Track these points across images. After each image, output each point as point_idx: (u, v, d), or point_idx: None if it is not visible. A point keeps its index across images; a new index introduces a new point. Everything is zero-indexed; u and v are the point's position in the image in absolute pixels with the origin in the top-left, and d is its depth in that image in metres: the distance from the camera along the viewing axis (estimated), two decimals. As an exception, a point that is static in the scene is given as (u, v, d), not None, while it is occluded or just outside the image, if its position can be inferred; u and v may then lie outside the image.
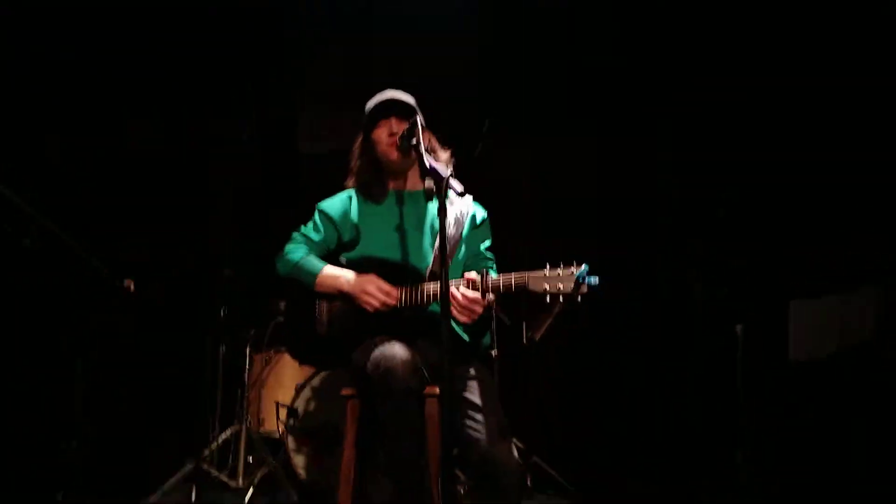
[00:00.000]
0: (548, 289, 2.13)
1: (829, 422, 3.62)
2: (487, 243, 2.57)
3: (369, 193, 2.54)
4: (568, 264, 2.12)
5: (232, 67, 4.15)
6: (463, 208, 2.54)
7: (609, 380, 4.36)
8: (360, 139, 2.56)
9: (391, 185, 2.55)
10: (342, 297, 2.41)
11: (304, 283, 2.45)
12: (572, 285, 2.09)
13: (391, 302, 2.33)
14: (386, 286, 2.34)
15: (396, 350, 2.17)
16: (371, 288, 2.33)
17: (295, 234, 2.57)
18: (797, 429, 3.83)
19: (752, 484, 3.50)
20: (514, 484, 2.19)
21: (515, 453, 2.26)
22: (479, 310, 2.23)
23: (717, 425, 3.89)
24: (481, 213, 2.59)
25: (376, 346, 2.23)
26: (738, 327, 3.58)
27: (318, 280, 2.42)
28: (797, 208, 4.20)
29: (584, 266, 2.10)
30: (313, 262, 2.47)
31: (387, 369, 2.12)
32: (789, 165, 4.25)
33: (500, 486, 2.17)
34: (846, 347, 3.49)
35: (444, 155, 2.54)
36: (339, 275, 2.41)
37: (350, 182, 2.60)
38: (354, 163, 2.58)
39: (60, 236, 1.92)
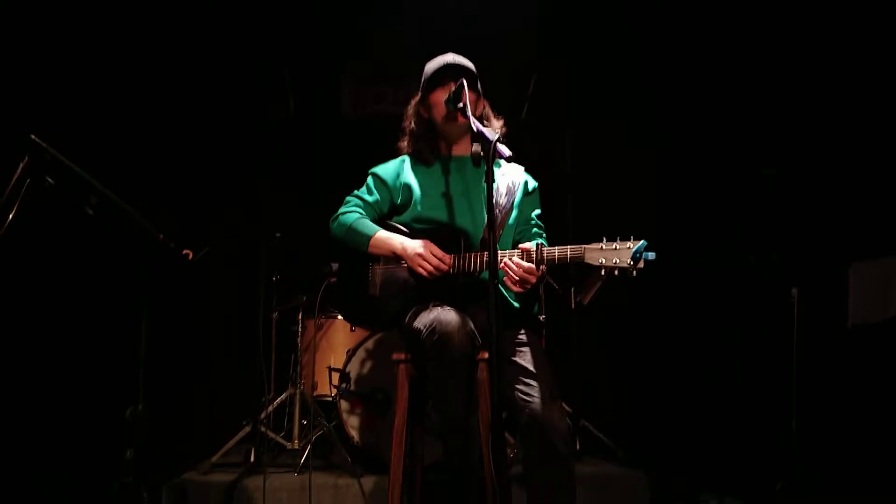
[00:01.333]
0: (604, 262, 2.12)
1: (889, 389, 3.53)
2: (538, 212, 2.58)
3: (421, 157, 2.55)
4: (625, 239, 2.10)
5: (275, 35, 4.17)
6: (515, 177, 2.55)
7: (659, 345, 4.32)
8: (415, 101, 2.56)
9: (444, 151, 2.56)
10: (395, 260, 2.43)
11: (357, 244, 2.48)
12: (629, 259, 2.08)
13: (444, 268, 2.35)
14: (439, 252, 2.36)
15: (452, 316, 2.19)
16: (425, 252, 2.35)
17: (348, 198, 2.61)
18: (855, 397, 3.75)
19: (807, 453, 3.45)
20: (564, 446, 2.21)
21: (565, 416, 2.26)
22: (533, 279, 2.24)
23: (771, 392, 3.82)
24: (532, 183, 2.60)
25: (431, 311, 2.25)
26: (794, 291, 3.50)
27: (371, 242, 2.45)
28: (852, 167, 4.06)
29: (641, 242, 2.09)
30: (367, 223, 2.50)
31: (442, 335, 2.15)
32: (844, 124, 4.11)
33: (551, 449, 2.19)
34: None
35: (497, 123, 2.54)
36: (392, 237, 2.44)
37: (403, 143, 2.61)
38: (408, 125, 2.59)
39: (121, 205, 1.99)
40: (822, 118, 4.17)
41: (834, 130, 4.12)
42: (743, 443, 3.86)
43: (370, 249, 2.47)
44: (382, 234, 2.46)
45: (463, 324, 2.18)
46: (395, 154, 2.64)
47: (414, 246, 2.38)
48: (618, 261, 2.10)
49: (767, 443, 3.72)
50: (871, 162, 4.02)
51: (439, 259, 2.35)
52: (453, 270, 2.36)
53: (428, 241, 2.39)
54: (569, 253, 2.18)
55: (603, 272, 2.12)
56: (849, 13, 4.00)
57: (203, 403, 4.05)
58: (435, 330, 2.16)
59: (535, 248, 2.22)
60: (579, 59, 4.30)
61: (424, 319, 2.24)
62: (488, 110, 2.55)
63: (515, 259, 2.25)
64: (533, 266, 2.22)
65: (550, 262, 2.21)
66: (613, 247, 2.11)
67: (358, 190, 2.61)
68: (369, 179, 2.61)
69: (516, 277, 2.24)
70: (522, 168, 2.60)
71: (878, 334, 3.56)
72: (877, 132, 3.99)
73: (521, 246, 2.27)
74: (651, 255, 2.08)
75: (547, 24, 4.31)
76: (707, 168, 4.33)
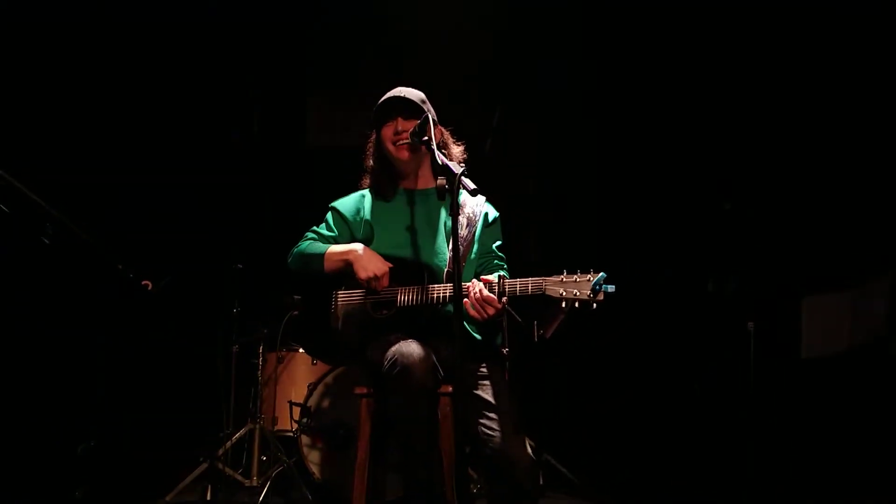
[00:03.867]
0: (564, 294, 2.12)
1: (839, 418, 3.61)
2: (499, 243, 2.58)
3: (381, 192, 2.55)
4: (585, 271, 2.12)
5: (239, 62, 4.18)
6: (476, 208, 2.55)
7: (620, 377, 4.36)
8: (372, 138, 2.57)
9: (402, 184, 2.56)
10: (347, 269, 2.42)
11: (313, 267, 2.48)
12: (589, 292, 2.10)
13: (380, 272, 2.36)
14: (379, 258, 2.38)
15: (413, 349, 2.18)
16: (372, 259, 2.37)
17: (307, 233, 2.60)
18: (808, 425, 3.83)
19: (762, 479, 3.50)
20: (529, 481, 2.19)
21: (529, 450, 2.25)
22: (492, 311, 2.23)
23: (728, 422, 3.88)
24: (493, 213, 2.60)
25: (392, 343, 2.24)
26: (750, 324, 3.58)
27: (325, 257, 2.46)
28: (806, 202, 4.20)
29: (601, 274, 2.10)
30: (318, 245, 2.52)
31: (403, 367, 2.13)
32: (797, 159, 4.26)
33: (514, 484, 2.18)
34: (858, 343, 3.48)
35: (458, 150, 2.55)
36: (338, 247, 2.45)
37: (365, 182, 2.61)
38: (367, 162, 2.59)
39: (79, 234, 1.94)
40: (779, 154, 4.32)
41: (790, 166, 4.26)
42: (703, 471, 3.89)
43: (326, 266, 2.46)
44: (331, 248, 2.47)
45: (425, 356, 2.17)
46: (360, 184, 2.64)
47: (358, 248, 2.40)
48: (577, 293, 2.11)
49: (727, 471, 3.76)
50: (826, 197, 4.16)
51: (381, 261, 2.37)
52: (408, 301, 2.35)
53: (368, 249, 2.40)
54: (530, 286, 2.19)
55: (564, 304, 2.13)
56: (804, 47, 4.16)
57: (158, 439, 3.93)
58: (396, 362, 2.15)
59: (496, 280, 2.23)
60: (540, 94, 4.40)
61: (386, 352, 2.22)
62: (447, 138, 2.55)
63: (479, 285, 2.25)
64: (494, 297, 2.22)
65: (511, 294, 2.22)
66: (574, 279, 2.12)
67: (317, 226, 2.61)
68: (328, 215, 2.61)
69: (476, 301, 2.22)
70: (483, 198, 2.59)
71: (830, 367, 3.65)
72: (832, 167, 4.14)
73: (482, 278, 2.27)
74: (611, 288, 2.10)
75: (508, 55, 4.41)
76: (668, 201, 4.44)
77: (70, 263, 2.06)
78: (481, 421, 2.25)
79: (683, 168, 4.44)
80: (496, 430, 2.23)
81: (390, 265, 2.39)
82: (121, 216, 3.92)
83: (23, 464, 3.55)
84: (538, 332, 3.75)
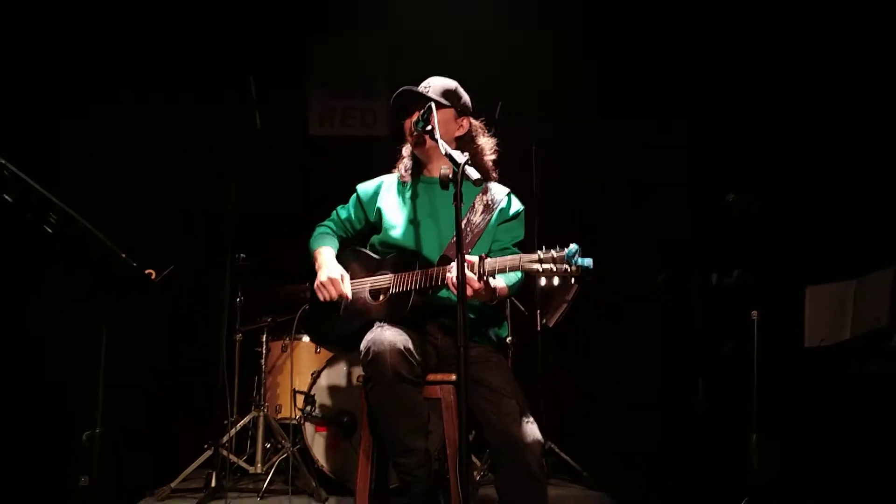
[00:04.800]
0: (541, 270, 2.11)
1: (841, 408, 3.62)
2: (519, 239, 2.56)
3: (401, 179, 2.59)
4: (562, 245, 2.11)
5: (241, 50, 4.17)
6: (497, 196, 2.53)
7: (623, 366, 4.37)
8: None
9: (423, 173, 2.58)
10: (365, 271, 2.53)
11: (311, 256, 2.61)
12: (565, 266, 2.09)
13: (330, 294, 2.43)
14: (338, 284, 2.44)
15: (386, 335, 2.20)
16: (325, 281, 2.44)
17: (333, 211, 2.71)
18: (811, 414, 3.83)
19: (766, 469, 3.50)
20: (537, 464, 2.20)
21: (537, 431, 2.25)
22: (471, 291, 2.19)
23: (731, 411, 3.88)
24: (515, 207, 2.57)
25: (373, 331, 2.27)
26: (754, 314, 3.57)
27: (314, 255, 2.58)
28: (811, 193, 4.20)
29: (572, 246, 2.09)
30: (322, 238, 2.61)
31: (375, 354, 2.16)
32: (802, 149, 4.25)
33: (523, 467, 2.18)
34: (860, 333, 3.48)
35: (489, 142, 2.54)
36: (320, 257, 2.54)
37: (395, 169, 2.65)
38: (402, 149, 2.63)
39: (82, 223, 1.94)
40: (784, 145, 4.31)
41: (795, 157, 4.26)
42: (707, 461, 3.90)
43: (314, 262, 2.57)
44: (321, 251, 2.56)
45: (397, 343, 2.18)
46: (368, 174, 2.66)
47: (322, 272, 2.47)
48: (555, 268, 2.11)
49: (730, 460, 3.77)
50: (830, 188, 4.15)
51: (333, 286, 2.43)
52: (401, 288, 2.36)
53: (338, 274, 2.46)
54: (508, 263, 2.19)
55: (543, 281, 2.13)
56: (818, 42, 4.15)
57: (163, 426, 3.95)
58: (369, 350, 2.18)
59: (476, 261, 2.23)
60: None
61: (365, 340, 2.24)
62: (476, 129, 2.54)
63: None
64: (473, 276, 2.20)
65: (491, 272, 2.20)
66: (550, 255, 2.12)
67: (343, 205, 2.70)
68: (352, 196, 2.69)
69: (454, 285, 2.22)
70: (507, 190, 2.58)
71: (832, 356, 3.65)
72: (837, 159, 4.13)
73: (466, 258, 2.27)
74: (587, 262, 2.09)
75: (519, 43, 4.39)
76: (672, 190, 4.43)
77: (73, 252, 2.06)
78: (485, 406, 2.26)
79: (686, 160, 4.44)
80: (502, 413, 2.24)
81: (338, 275, 2.45)
82: (124, 206, 3.93)
83: (28, 452, 3.58)
84: (541, 321, 3.76)
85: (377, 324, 2.32)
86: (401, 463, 2.19)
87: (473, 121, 2.54)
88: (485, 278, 2.21)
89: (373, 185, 2.64)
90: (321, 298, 2.45)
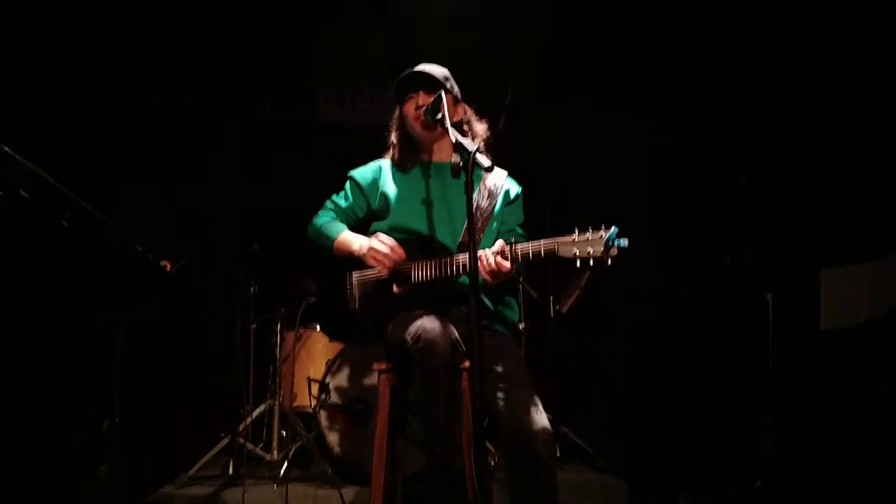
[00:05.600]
0: (577, 253, 2.10)
1: (857, 391, 3.60)
2: (521, 220, 2.56)
3: (399, 164, 2.56)
4: (597, 228, 2.10)
5: (252, 41, 4.16)
6: (498, 181, 2.53)
7: (637, 350, 4.37)
8: (396, 113, 2.57)
9: (421, 157, 2.56)
10: (355, 261, 2.45)
11: (325, 247, 2.51)
12: (602, 248, 2.07)
13: (394, 256, 2.36)
14: (390, 241, 2.37)
15: (435, 324, 2.19)
16: (375, 243, 2.37)
17: (326, 202, 2.62)
18: (826, 397, 3.82)
19: (779, 452, 3.50)
20: (546, 453, 2.20)
21: (546, 421, 2.26)
22: (504, 268, 2.21)
23: (746, 394, 3.88)
24: (515, 189, 2.58)
25: (414, 319, 2.25)
26: (769, 296, 3.56)
27: (335, 244, 2.48)
28: (826, 174, 4.15)
29: (613, 228, 2.07)
30: (334, 226, 2.52)
31: (427, 342, 2.14)
32: (817, 132, 4.21)
33: (532, 456, 2.19)
34: (877, 316, 3.45)
35: (481, 127, 2.54)
36: (351, 238, 2.46)
37: (386, 155, 2.61)
38: (390, 137, 2.60)
39: (97, 217, 1.96)
40: (796, 128, 4.27)
41: (808, 139, 4.21)
42: (720, 444, 3.90)
43: (335, 251, 2.49)
44: (344, 235, 2.48)
45: (447, 331, 2.19)
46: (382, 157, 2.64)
47: (366, 242, 2.40)
48: (591, 251, 2.08)
49: (745, 443, 3.77)
50: (845, 170, 4.11)
51: (390, 247, 2.36)
52: (423, 276, 2.35)
53: (378, 234, 2.40)
54: (542, 247, 2.17)
55: (578, 264, 2.11)
56: (827, 23, 4.09)
57: (180, 416, 4.00)
58: (420, 338, 2.16)
59: (507, 247, 2.23)
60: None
61: (408, 328, 2.23)
62: (470, 115, 2.54)
63: (489, 253, 2.25)
64: (506, 263, 2.20)
65: (525, 257, 2.21)
66: (586, 237, 2.09)
67: (336, 194, 2.62)
68: (347, 184, 2.62)
69: (488, 266, 2.22)
70: (506, 173, 2.58)
71: (848, 338, 3.63)
72: (851, 141, 4.08)
73: (494, 247, 2.27)
74: (623, 242, 2.06)
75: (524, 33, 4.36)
76: (684, 174, 4.40)
77: (89, 246, 2.08)
78: (498, 394, 2.27)
79: (699, 142, 4.40)
80: (513, 402, 2.24)
81: (396, 245, 2.38)
82: (138, 199, 3.95)
83: (48, 442, 3.63)
84: (555, 307, 3.76)
85: (416, 311, 2.29)
86: (435, 449, 2.19)
87: (468, 107, 2.54)
88: (518, 262, 2.21)
89: (370, 170, 2.59)
90: (378, 264, 2.37)
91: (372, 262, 2.39)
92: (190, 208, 4.11)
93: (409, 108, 2.47)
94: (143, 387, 3.63)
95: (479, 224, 2.44)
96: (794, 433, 3.72)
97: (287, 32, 4.36)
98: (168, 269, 2.27)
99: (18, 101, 3.84)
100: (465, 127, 2.50)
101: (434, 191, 2.49)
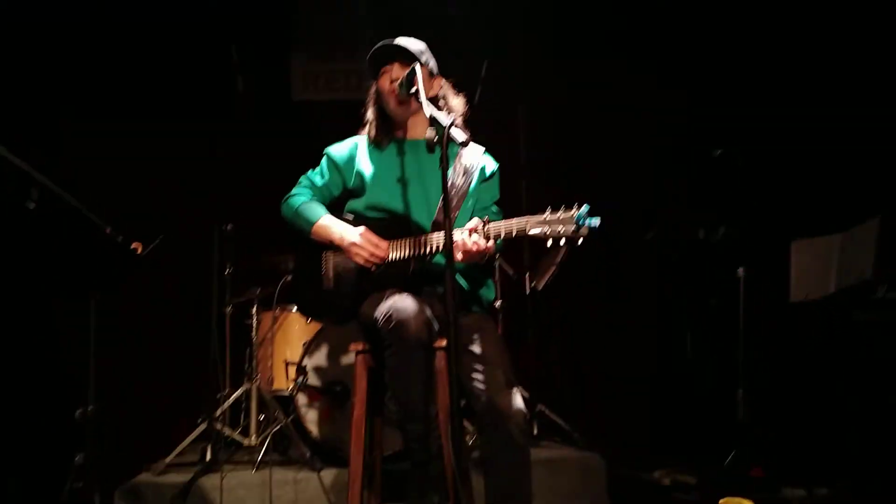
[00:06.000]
0: (548, 232, 2.12)
1: (826, 361, 3.69)
2: (496, 198, 2.55)
3: (376, 142, 2.53)
4: (569, 207, 2.11)
5: (222, 13, 4.08)
6: (474, 158, 2.52)
7: (613, 325, 4.41)
8: (371, 89, 2.54)
9: (397, 134, 2.53)
10: (334, 248, 2.43)
11: (302, 229, 2.48)
12: (573, 227, 2.09)
13: (380, 254, 2.34)
14: (375, 238, 2.36)
15: (408, 303, 2.19)
16: (360, 240, 2.35)
17: (301, 178, 2.59)
18: (796, 368, 3.91)
19: (752, 421, 3.58)
20: (520, 433, 2.23)
21: (521, 402, 2.27)
22: (476, 248, 2.22)
23: (720, 368, 3.94)
24: (492, 166, 2.56)
25: (387, 299, 2.24)
26: (740, 270, 3.61)
27: (314, 229, 2.45)
28: (795, 147, 4.21)
29: (584, 206, 2.09)
30: (312, 209, 2.48)
31: (399, 321, 2.14)
32: (788, 104, 4.26)
33: (507, 436, 2.21)
34: (845, 286, 3.53)
35: (459, 101, 2.51)
36: (332, 226, 2.43)
37: (362, 132, 2.58)
38: (366, 112, 2.56)
39: (65, 198, 1.92)
40: (769, 99, 4.31)
41: (779, 110, 4.26)
42: (694, 417, 3.98)
43: (312, 236, 2.47)
44: (324, 220, 2.45)
45: (420, 310, 2.18)
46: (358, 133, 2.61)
47: (350, 236, 2.38)
48: (562, 229, 2.10)
49: (718, 416, 3.84)
50: (816, 142, 4.16)
51: (374, 245, 2.35)
52: (399, 255, 2.35)
53: (365, 229, 2.38)
54: (514, 227, 2.18)
55: (549, 244, 2.12)
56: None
57: (155, 401, 3.96)
58: (391, 317, 2.15)
59: (480, 226, 2.23)
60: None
61: (381, 307, 2.22)
62: (447, 89, 2.51)
63: (465, 234, 2.25)
64: (484, 243, 2.21)
65: (497, 236, 2.22)
66: (557, 216, 2.11)
67: (312, 171, 2.59)
68: (323, 161, 2.58)
69: (465, 248, 2.22)
70: (483, 149, 2.56)
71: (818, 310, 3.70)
72: (821, 111, 4.14)
73: (468, 224, 2.27)
74: (595, 221, 2.08)
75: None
76: (656, 147, 4.42)
77: (57, 228, 2.04)
78: (474, 375, 2.28)
79: (674, 117, 4.43)
80: (489, 383, 2.26)
81: (383, 242, 2.37)
82: (107, 178, 3.87)
83: (22, 432, 3.58)
84: (530, 284, 3.77)
85: (388, 291, 2.29)
86: (412, 429, 2.19)
87: (444, 81, 2.52)
88: (490, 243, 2.21)
89: (346, 147, 2.56)
90: (362, 261, 2.35)
91: (356, 259, 2.37)
92: (161, 188, 4.04)
93: (384, 83, 2.43)
94: (118, 372, 3.58)
95: (455, 202, 2.42)
96: (766, 405, 3.80)
97: (261, 7, 4.28)
98: (139, 251, 2.23)
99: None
100: (442, 102, 2.47)
101: (409, 168, 2.47)
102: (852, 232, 3.57)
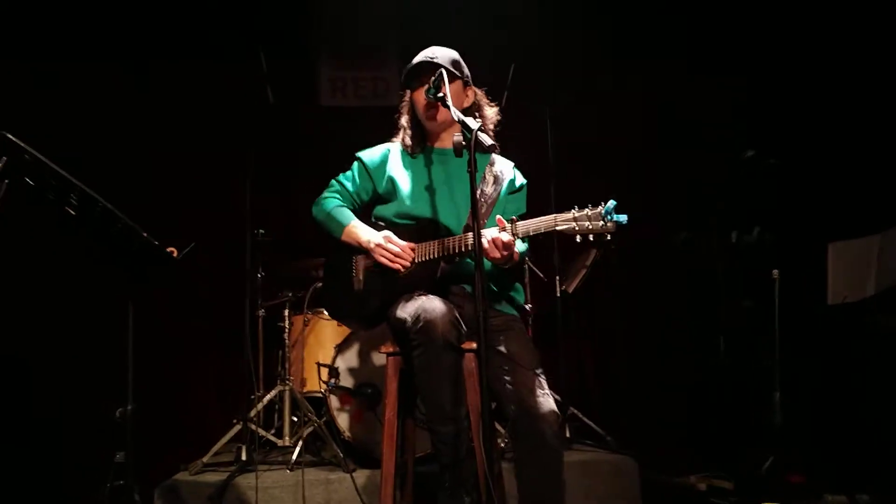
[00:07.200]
0: (577, 229, 2.13)
1: (865, 364, 3.60)
2: (522, 212, 2.55)
3: (408, 149, 2.56)
4: (596, 204, 2.12)
5: (251, 23, 4.14)
6: (505, 167, 2.55)
7: (645, 328, 4.36)
8: (406, 97, 2.57)
9: (429, 143, 2.56)
10: (364, 252, 2.46)
11: (333, 232, 2.52)
12: (600, 223, 2.09)
13: (405, 256, 2.37)
14: (400, 242, 2.38)
15: (436, 304, 2.20)
16: (384, 243, 2.38)
17: (332, 182, 2.62)
18: (834, 372, 3.82)
19: (789, 425, 3.51)
20: (553, 435, 2.22)
21: (553, 403, 2.27)
22: (504, 251, 2.23)
23: (754, 370, 3.87)
24: (520, 179, 2.59)
25: (415, 300, 2.26)
26: (775, 272, 3.55)
27: (344, 231, 2.49)
28: (831, 147, 4.13)
29: (610, 202, 2.09)
30: (343, 213, 2.53)
31: (426, 322, 2.15)
32: (822, 103, 4.18)
33: (539, 438, 2.21)
34: (885, 288, 3.44)
35: (492, 111, 2.53)
36: (360, 229, 2.47)
37: (395, 138, 2.61)
38: (400, 120, 2.59)
39: (103, 204, 1.97)
40: (806, 104, 4.24)
41: (815, 111, 4.18)
42: (730, 421, 3.91)
43: (343, 239, 2.50)
44: (353, 224, 2.48)
45: (447, 311, 2.19)
46: (382, 143, 2.64)
47: (375, 238, 2.41)
48: (590, 226, 2.11)
49: (754, 420, 3.77)
50: (852, 144, 4.08)
51: (400, 248, 2.37)
52: (427, 257, 2.36)
53: (389, 233, 2.41)
54: (542, 224, 2.19)
55: (578, 239, 2.13)
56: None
57: (192, 403, 4.04)
58: (419, 318, 2.17)
59: (508, 225, 2.23)
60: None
61: (409, 309, 2.24)
62: (481, 99, 2.53)
63: (493, 231, 2.27)
64: (509, 237, 2.22)
65: (525, 234, 2.23)
66: (585, 213, 2.12)
67: (343, 174, 2.62)
68: (354, 165, 2.62)
69: (491, 244, 2.23)
70: (512, 164, 2.59)
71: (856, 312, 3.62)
72: (857, 116, 4.05)
73: (497, 218, 2.28)
74: (623, 218, 2.09)
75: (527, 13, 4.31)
76: (689, 150, 4.37)
77: (97, 233, 2.10)
78: (505, 377, 2.28)
79: (706, 120, 4.38)
80: (519, 384, 2.26)
81: (412, 245, 2.39)
82: (143, 185, 3.96)
83: (63, 431, 3.68)
84: (561, 287, 3.76)
85: (417, 293, 2.31)
86: (440, 431, 2.20)
87: (478, 91, 2.53)
88: (518, 237, 2.22)
89: (378, 153, 2.59)
90: (386, 261, 2.38)
91: (380, 260, 2.40)
92: (195, 195, 4.12)
93: (419, 97, 2.46)
94: (156, 374, 3.67)
95: (484, 210, 2.44)
96: (804, 410, 3.72)
97: (289, 15, 4.33)
98: (175, 255, 2.28)
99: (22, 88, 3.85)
100: (476, 112, 2.50)
101: (438, 177, 2.49)
102: (890, 232, 3.49)
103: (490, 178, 2.50)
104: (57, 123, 3.90)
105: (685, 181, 4.35)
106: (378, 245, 2.39)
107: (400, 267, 2.38)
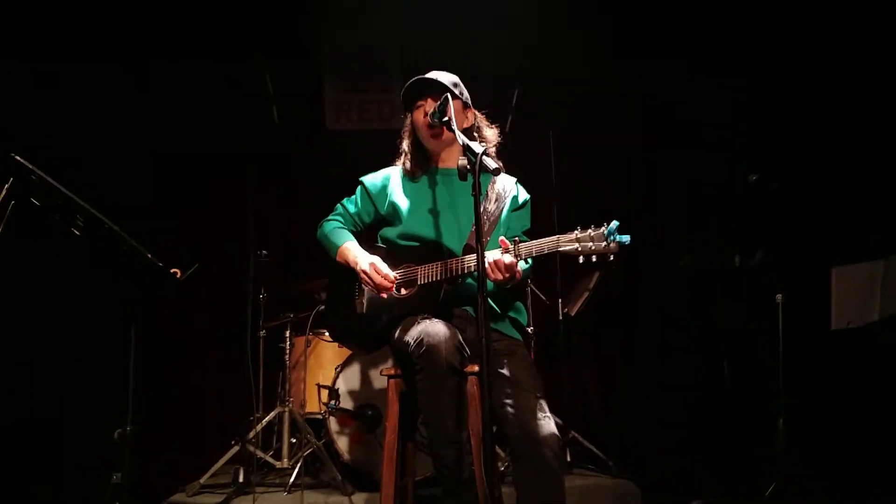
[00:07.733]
0: (580, 249, 2.13)
1: (869, 390, 3.58)
2: (526, 228, 2.57)
3: (409, 172, 2.57)
4: (599, 225, 2.12)
5: (257, 45, 4.16)
6: (506, 186, 2.55)
7: (647, 353, 4.34)
8: (406, 121, 2.59)
9: (431, 165, 2.57)
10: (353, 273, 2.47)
11: (329, 251, 2.56)
12: (603, 244, 2.10)
13: (386, 284, 2.37)
14: (383, 269, 2.39)
15: (439, 328, 2.20)
16: (369, 269, 2.39)
17: (337, 206, 2.66)
18: (838, 397, 3.80)
19: (792, 451, 3.48)
20: (554, 458, 2.20)
21: (554, 426, 2.25)
22: (506, 273, 2.23)
23: (757, 395, 3.85)
24: (524, 195, 2.60)
25: (418, 324, 2.25)
26: (779, 297, 3.54)
27: (338, 251, 2.52)
28: (836, 172, 4.13)
29: (613, 223, 2.10)
30: (340, 234, 2.56)
31: (430, 346, 2.15)
32: (825, 127, 4.19)
33: (540, 462, 2.19)
34: (890, 314, 3.43)
35: (491, 133, 2.55)
36: (351, 250, 2.49)
37: (398, 162, 2.63)
38: (402, 144, 2.62)
39: (108, 225, 1.98)
40: (807, 127, 4.25)
41: (818, 137, 4.19)
42: (732, 446, 3.88)
43: (337, 258, 2.53)
44: (346, 246, 2.51)
45: (451, 335, 2.19)
46: (387, 167, 2.65)
47: (362, 263, 2.42)
48: (593, 246, 2.11)
49: (757, 445, 3.75)
50: (854, 167, 4.09)
51: (382, 276, 2.38)
52: (429, 279, 2.36)
53: (376, 258, 2.42)
54: (545, 245, 2.20)
55: (581, 260, 2.13)
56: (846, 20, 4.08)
57: (191, 423, 4.01)
58: (423, 342, 2.17)
59: (511, 246, 2.24)
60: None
61: (412, 332, 2.24)
62: (480, 121, 2.56)
63: (496, 254, 2.26)
64: (511, 259, 2.22)
65: (528, 255, 2.23)
66: (588, 234, 2.12)
67: (347, 198, 2.66)
68: (357, 189, 2.65)
69: (493, 265, 2.23)
70: (514, 179, 2.60)
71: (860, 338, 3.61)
72: (859, 138, 4.06)
73: (500, 240, 2.28)
74: (625, 239, 2.09)
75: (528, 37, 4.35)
76: (692, 172, 4.38)
77: (101, 253, 2.10)
78: (506, 400, 2.27)
79: (708, 141, 4.39)
80: (520, 407, 2.24)
81: (395, 277, 2.41)
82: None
83: (61, 451, 3.65)
84: (563, 310, 3.75)
85: (420, 316, 2.31)
86: (443, 454, 2.19)
87: (477, 112, 2.55)
88: (521, 258, 2.22)
89: (379, 177, 2.61)
90: (370, 287, 2.40)
91: (364, 286, 2.43)
92: (199, 216, 4.12)
93: (419, 116, 2.48)
94: (155, 395, 3.65)
95: (486, 228, 2.44)
96: (806, 434, 3.69)
97: (295, 39, 4.37)
98: (178, 276, 2.28)
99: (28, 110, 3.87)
100: (476, 133, 2.52)
101: (441, 198, 2.50)
102: (894, 258, 3.48)
103: (492, 196, 2.50)
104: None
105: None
106: (363, 270, 2.41)
107: (384, 295, 2.40)
